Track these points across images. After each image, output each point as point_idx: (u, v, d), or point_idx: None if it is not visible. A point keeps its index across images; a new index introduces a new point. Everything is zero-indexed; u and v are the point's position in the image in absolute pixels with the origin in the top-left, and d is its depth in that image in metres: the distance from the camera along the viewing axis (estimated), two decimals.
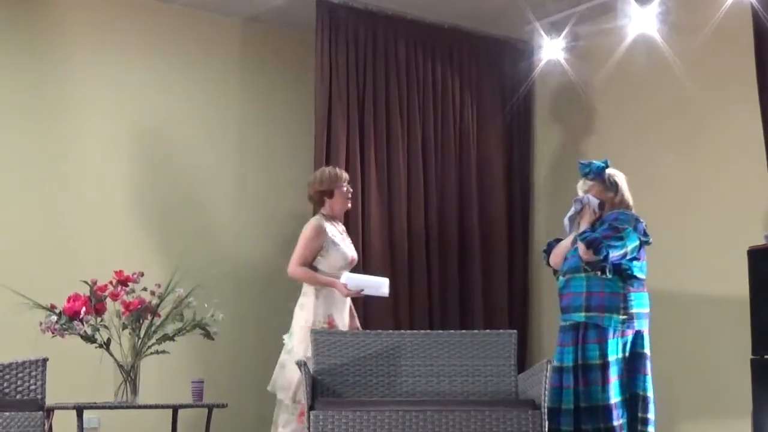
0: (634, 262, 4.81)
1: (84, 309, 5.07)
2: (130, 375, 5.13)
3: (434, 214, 6.82)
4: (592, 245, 4.70)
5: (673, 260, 6.17)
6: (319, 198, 5.54)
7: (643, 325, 4.82)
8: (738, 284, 5.51)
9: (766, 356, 5.20)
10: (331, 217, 5.52)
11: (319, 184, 5.53)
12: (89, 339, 5.12)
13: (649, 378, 4.79)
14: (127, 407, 5.15)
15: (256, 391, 6.49)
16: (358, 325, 5.60)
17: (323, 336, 5.01)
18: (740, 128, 6.02)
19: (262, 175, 6.87)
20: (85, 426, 4.97)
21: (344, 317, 5.42)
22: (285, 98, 6.97)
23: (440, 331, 5.24)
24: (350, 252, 5.50)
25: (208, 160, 6.72)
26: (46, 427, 4.80)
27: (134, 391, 5.14)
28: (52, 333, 5.07)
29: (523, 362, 6.21)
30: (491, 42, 7.19)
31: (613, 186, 4.98)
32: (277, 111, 6.97)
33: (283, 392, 5.28)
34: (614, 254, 4.71)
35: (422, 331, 5.24)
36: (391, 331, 5.30)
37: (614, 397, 4.69)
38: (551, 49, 6.79)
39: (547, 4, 6.56)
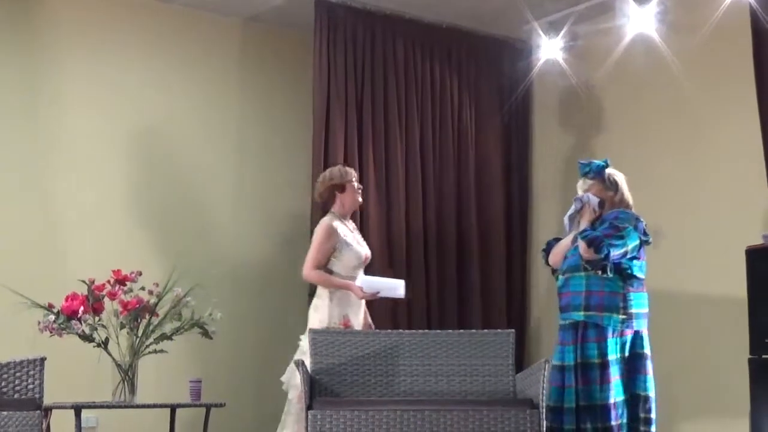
0: (634, 262, 4.81)
1: (82, 308, 5.07)
2: (128, 374, 5.13)
3: (432, 214, 6.83)
4: (593, 244, 4.70)
5: (672, 260, 6.17)
6: (330, 194, 5.54)
7: (642, 325, 4.82)
8: (736, 284, 5.50)
9: (764, 356, 5.20)
10: (341, 216, 5.52)
11: (330, 179, 5.55)
12: (87, 338, 5.12)
13: (649, 378, 4.78)
14: (125, 407, 5.14)
15: (255, 390, 6.51)
16: (371, 322, 5.59)
17: (321, 335, 5.01)
18: (738, 128, 6.02)
19: (261, 175, 6.88)
20: (83, 425, 4.97)
21: (359, 317, 5.43)
22: (284, 98, 6.97)
23: (438, 331, 5.24)
24: (363, 251, 5.50)
25: (207, 160, 6.72)
26: (44, 426, 4.80)
27: (132, 390, 5.14)
28: (50, 332, 5.07)
29: (521, 362, 6.21)
30: (490, 41, 7.19)
31: (613, 185, 4.98)
32: (277, 111, 6.97)
33: (294, 391, 5.27)
34: (615, 253, 4.71)
35: (420, 331, 5.24)
36: (389, 330, 5.31)
37: (613, 396, 4.68)
38: (550, 49, 6.79)
39: (545, 4, 6.56)
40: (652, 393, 4.78)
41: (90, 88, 6.35)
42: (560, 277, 4.97)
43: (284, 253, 6.76)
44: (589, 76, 6.85)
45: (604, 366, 4.69)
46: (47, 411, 4.88)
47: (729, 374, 5.73)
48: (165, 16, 6.65)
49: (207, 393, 5.47)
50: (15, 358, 4.68)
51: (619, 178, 5.03)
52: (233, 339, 6.42)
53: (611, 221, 4.82)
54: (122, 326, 5.18)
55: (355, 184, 5.58)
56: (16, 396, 4.61)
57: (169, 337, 5.25)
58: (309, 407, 4.59)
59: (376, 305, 6.11)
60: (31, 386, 4.63)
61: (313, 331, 5.04)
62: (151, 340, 5.21)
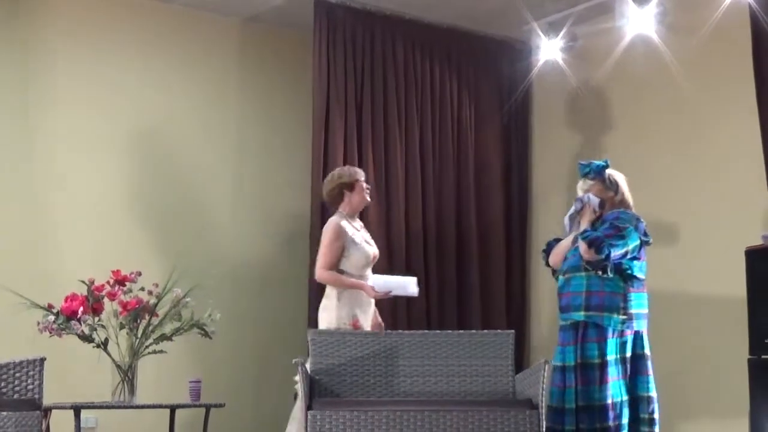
0: (635, 262, 4.80)
1: (81, 309, 5.07)
2: (127, 375, 5.13)
3: (432, 215, 6.82)
4: (594, 244, 4.70)
5: (671, 260, 6.17)
6: (339, 192, 5.52)
7: (642, 326, 4.82)
8: (736, 284, 5.51)
9: (763, 356, 5.21)
10: (349, 215, 5.52)
11: (339, 177, 5.54)
12: (87, 339, 5.12)
13: (651, 378, 4.77)
14: (125, 407, 5.15)
15: (254, 390, 6.51)
16: (381, 321, 5.57)
17: (321, 336, 5.01)
18: (738, 128, 6.02)
19: (260, 175, 6.88)
20: (82, 426, 4.98)
21: (369, 317, 5.42)
22: (284, 98, 6.97)
23: (438, 332, 5.24)
24: (371, 250, 5.49)
25: (206, 160, 6.72)
26: (44, 426, 4.80)
27: (132, 390, 5.14)
28: (50, 333, 5.07)
29: (520, 362, 6.20)
30: (489, 42, 7.19)
31: (614, 185, 4.98)
32: (276, 111, 6.97)
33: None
34: (616, 253, 4.70)
35: (420, 331, 5.24)
36: (389, 331, 5.30)
37: (611, 397, 4.68)
38: (549, 50, 6.79)
39: (545, 5, 6.56)
40: (654, 393, 4.77)
41: (90, 88, 6.35)
42: (560, 277, 4.96)
43: (284, 253, 6.76)
44: (588, 77, 6.86)
45: (603, 366, 4.69)
46: (47, 411, 4.88)
47: (729, 374, 5.74)
48: (165, 16, 6.65)
49: (206, 393, 5.47)
50: (14, 359, 4.68)
51: (620, 178, 5.03)
52: (233, 339, 6.42)
53: (612, 222, 4.82)
54: (122, 327, 5.18)
55: (364, 183, 5.58)
56: (15, 396, 4.61)
57: (169, 338, 5.25)
58: (309, 407, 4.59)
59: (378, 304, 6.11)
60: (30, 386, 4.63)
61: (313, 332, 5.04)
62: (150, 340, 5.21)
